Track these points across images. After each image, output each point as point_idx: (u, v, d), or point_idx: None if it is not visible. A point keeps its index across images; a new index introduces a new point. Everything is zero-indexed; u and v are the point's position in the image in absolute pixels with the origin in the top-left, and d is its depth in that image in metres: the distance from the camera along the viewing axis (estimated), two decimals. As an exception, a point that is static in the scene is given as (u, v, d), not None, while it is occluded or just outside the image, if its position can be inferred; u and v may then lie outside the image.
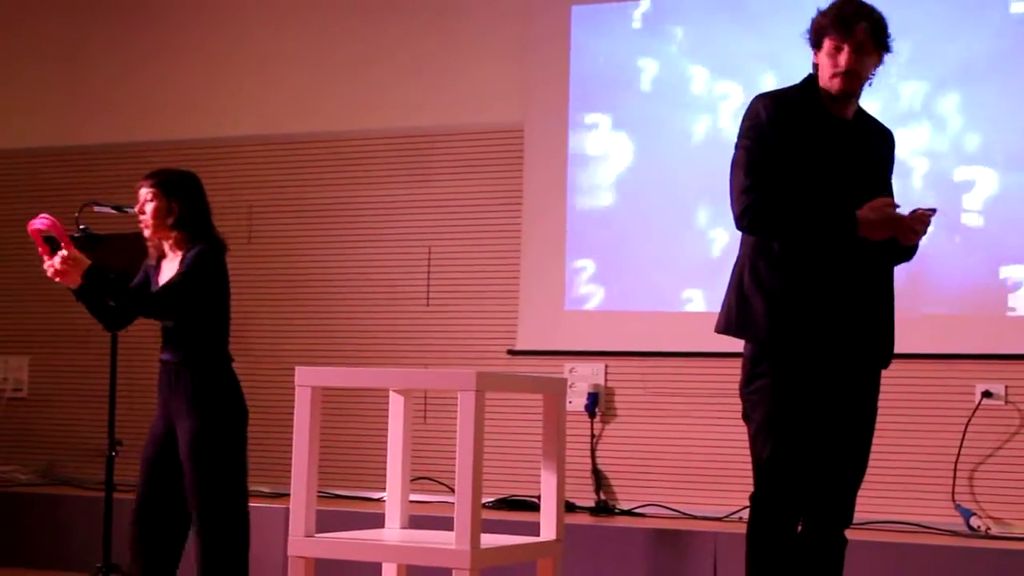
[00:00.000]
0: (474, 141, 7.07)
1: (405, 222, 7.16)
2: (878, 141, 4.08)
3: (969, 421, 6.02)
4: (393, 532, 4.11)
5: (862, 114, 4.08)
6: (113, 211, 6.03)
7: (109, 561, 5.62)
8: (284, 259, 7.35)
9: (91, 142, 7.86)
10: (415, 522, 4.29)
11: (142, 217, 4.83)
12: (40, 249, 4.65)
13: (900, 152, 4.24)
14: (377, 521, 4.37)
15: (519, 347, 6.83)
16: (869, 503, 6.09)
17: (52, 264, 4.59)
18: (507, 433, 6.55)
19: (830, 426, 3.97)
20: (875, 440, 6.12)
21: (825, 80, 3.95)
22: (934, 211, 3.95)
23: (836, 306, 3.89)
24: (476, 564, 3.63)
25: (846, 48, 3.89)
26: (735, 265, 4.05)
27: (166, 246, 4.85)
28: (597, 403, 6.61)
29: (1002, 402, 6.03)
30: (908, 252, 4.05)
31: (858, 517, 5.92)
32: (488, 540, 3.79)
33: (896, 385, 6.16)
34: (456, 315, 7.01)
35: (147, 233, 4.84)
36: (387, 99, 7.26)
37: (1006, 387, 6.03)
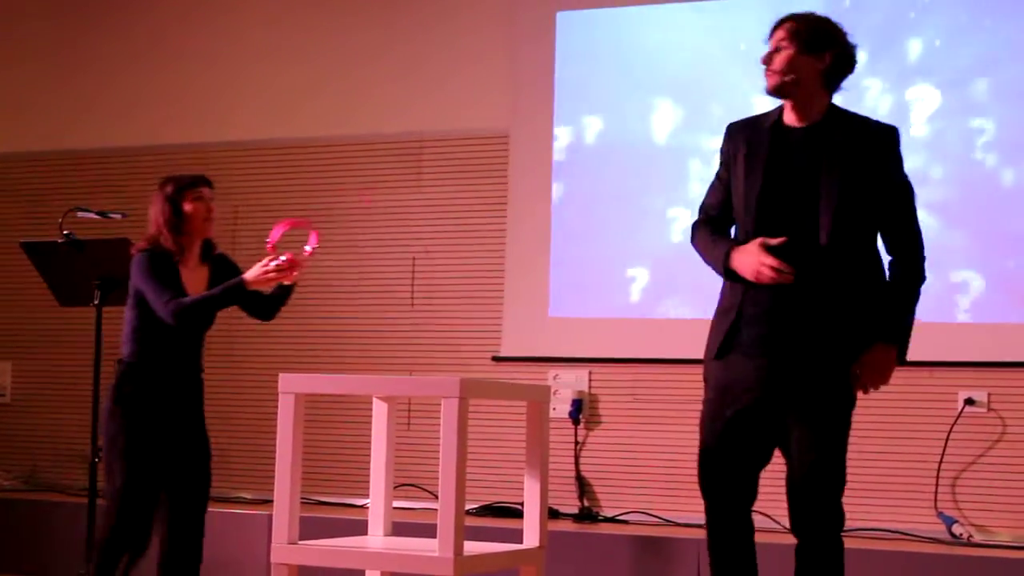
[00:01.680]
0: (460, 146, 7.07)
1: (390, 227, 7.15)
2: (854, 144, 3.94)
3: (952, 428, 6.03)
4: (376, 539, 4.11)
5: (840, 117, 4.01)
6: (97, 216, 6.01)
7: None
8: (269, 264, 7.33)
9: (75, 147, 7.84)
10: (398, 529, 4.29)
11: (210, 216, 4.98)
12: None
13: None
14: (360, 528, 4.37)
15: (503, 353, 6.83)
16: (851, 510, 6.06)
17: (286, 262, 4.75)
18: (490, 440, 6.55)
19: (782, 434, 3.97)
20: (858, 446, 6.16)
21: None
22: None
23: (757, 319, 3.94)
24: (459, 572, 3.64)
25: (768, 47, 4.01)
26: None
27: (191, 251, 4.96)
28: (581, 410, 6.61)
29: (984, 409, 6.04)
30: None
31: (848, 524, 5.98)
32: (471, 547, 3.79)
33: (879, 392, 6.18)
34: (441, 321, 7.00)
35: (209, 233, 5.00)
36: (373, 104, 7.26)
37: (989, 394, 6.04)
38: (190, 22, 7.75)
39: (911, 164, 4.27)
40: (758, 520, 4.17)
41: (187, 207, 4.90)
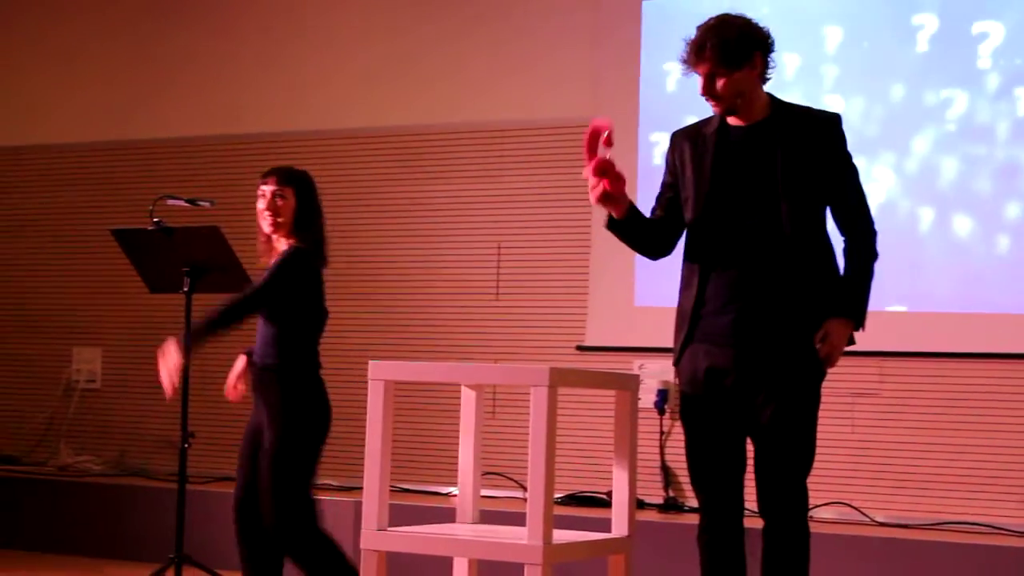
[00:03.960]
0: (544, 135, 7.06)
1: (475, 217, 7.16)
2: (800, 134, 4.00)
3: (1046, 421, 5.95)
4: (465, 527, 4.10)
5: (784, 110, 4.06)
6: (186, 204, 6.07)
7: (181, 552, 5.65)
8: (354, 253, 7.37)
9: (165, 135, 7.92)
10: (485, 517, 4.29)
11: (268, 214, 4.75)
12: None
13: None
14: (447, 516, 4.37)
15: (588, 343, 6.81)
16: (942, 504, 6.05)
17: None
18: (572, 429, 6.54)
19: (751, 419, 3.99)
20: (949, 440, 6.12)
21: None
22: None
23: (704, 319, 4.02)
24: (549, 559, 3.63)
25: (700, 78, 3.99)
26: None
27: (278, 246, 4.82)
28: (667, 400, 6.58)
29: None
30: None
31: (930, 517, 5.94)
32: (559, 536, 3.78)
33: (971, 385, 6.13)
34: (525, 310, 7.00)
35: (268, 231, 4.78)
36: (456, 94, 7.27)
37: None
38: (273, 10, 7.80)
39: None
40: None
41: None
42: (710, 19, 4.03)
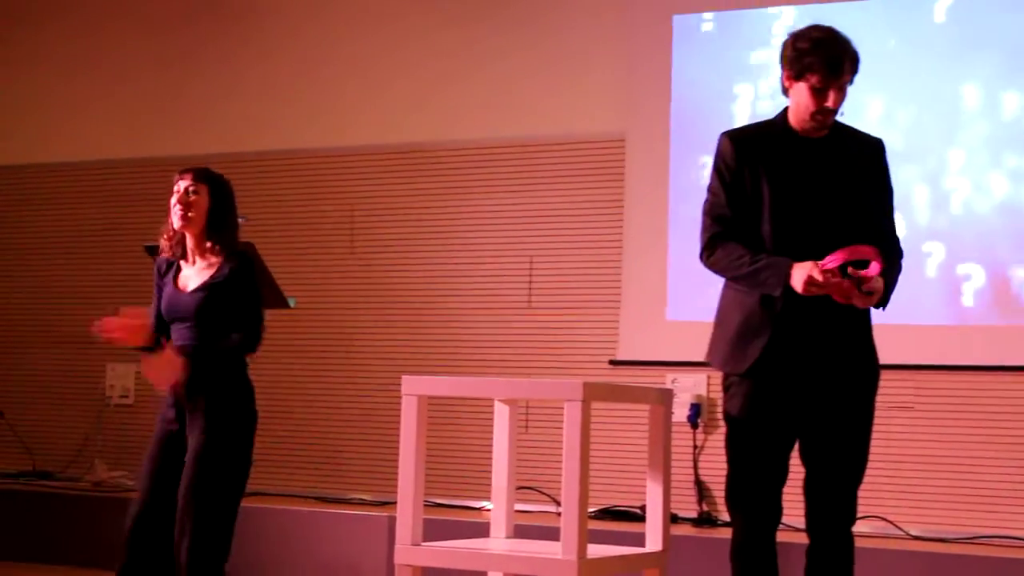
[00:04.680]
0: (576, 151, 7.07)
1: (507, 231, 7.17)
2: (858, 153, 4.08)
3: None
4: (499, 541, 4.11)
5: (840, 128, 4.09)
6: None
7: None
8: (387, 268, 7.39)
9: (199, 152, 7.95)
10: (519, 531, 4.29)
11: (179, 208, 4.65)
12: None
13: None
14: (481, 530, 4.38)
15: (620, 357, 6.81)
16: (978, 517, 6.01)
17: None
18: (605, 443, 6.52)
19: (814, 431, 4.00)
20: (985, 454, 6.10)
21: (802, 111, 3.99)
22: (861, 280, 3.88)
23: (791, 330, 3.97)
24: (583, 574, 3.63)
25: (832, 90, 3.95)
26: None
27: (189, 246, 4.73)
28: (700, 414, 6.57)
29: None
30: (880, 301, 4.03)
31: (966, 531, 5.90)
32: (594, 550, 3.78)
33: (1007, 399, 6.09)
34: (557, 324, 7.00)
35: (178, 226, 4.68)
36: (489, 109, 7.28)
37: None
38: (307, 30, 7.83)
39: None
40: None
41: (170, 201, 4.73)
42: (825, 30, 3.98)
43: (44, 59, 8.52)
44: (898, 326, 6.17)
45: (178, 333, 4.70)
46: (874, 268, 3.86)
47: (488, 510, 4.26)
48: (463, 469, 6.90)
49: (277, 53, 7.88)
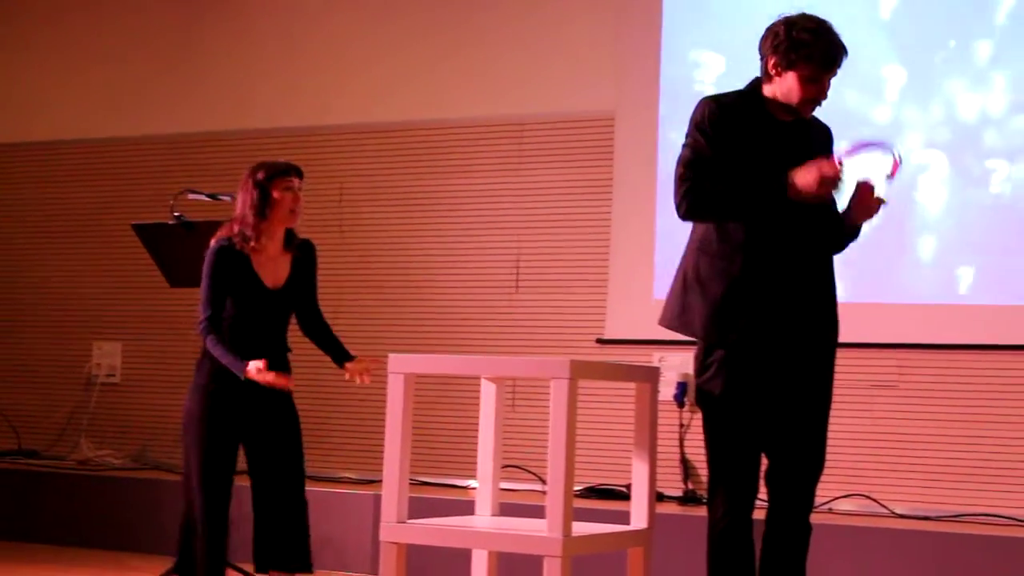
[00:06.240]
0: (565, 129, 7.06)
1: (495, 210, 7.17)
2: (817, 137, 4.13)
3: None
4: (484, 519, 4.12)
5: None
6: (207, 199, 6.08)
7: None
8: (375, 247, 7.39)
9: (187, 130, 7.95)
10: (504, 510, 4.30)
11: (296, 207, 4.90)
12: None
13: None
14: (466, 508, 4.38)
15: (608, 336, 6.82)
16: (961, 495, 6.03)
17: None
18: (591, 422, 6.54)
19: (783, 415, 4.00)
20: (968, 432, 6.12)
21: (791, 99, 4.00)
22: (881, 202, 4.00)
23: (773, 302, 3.96)
24: (568, 551, 3.64)
25: (825, 82, 3.99)
26: (681, 259, 4.18)
27: (266, 238, 4.91)
28: (686, 392, 6.58)
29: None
30: (851, 234, 4.11)
31: (950, 509, 5.93)
32: (579, 528, 3.79)
33: (990, 377, 6.11)
34: (545, 303, 7.01)
35: (295, 223, 4.95)
36: (477, 87, 7.27)
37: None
38: (294, 4, 7.81)
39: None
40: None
41: (276, 194, 4.87)
42: (819, 21, 4.00)
43: (28, 40, 8.49)
44: (881, 304, 6.21)
45: (264, 322, 4.94)
46: (893, 168, 3.91)
47: (474, 488, 4.27)
48: (449, 447, 6.91)
49: (262, 30, 7.86)
